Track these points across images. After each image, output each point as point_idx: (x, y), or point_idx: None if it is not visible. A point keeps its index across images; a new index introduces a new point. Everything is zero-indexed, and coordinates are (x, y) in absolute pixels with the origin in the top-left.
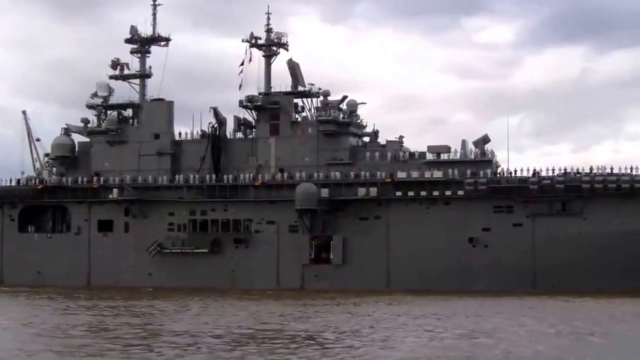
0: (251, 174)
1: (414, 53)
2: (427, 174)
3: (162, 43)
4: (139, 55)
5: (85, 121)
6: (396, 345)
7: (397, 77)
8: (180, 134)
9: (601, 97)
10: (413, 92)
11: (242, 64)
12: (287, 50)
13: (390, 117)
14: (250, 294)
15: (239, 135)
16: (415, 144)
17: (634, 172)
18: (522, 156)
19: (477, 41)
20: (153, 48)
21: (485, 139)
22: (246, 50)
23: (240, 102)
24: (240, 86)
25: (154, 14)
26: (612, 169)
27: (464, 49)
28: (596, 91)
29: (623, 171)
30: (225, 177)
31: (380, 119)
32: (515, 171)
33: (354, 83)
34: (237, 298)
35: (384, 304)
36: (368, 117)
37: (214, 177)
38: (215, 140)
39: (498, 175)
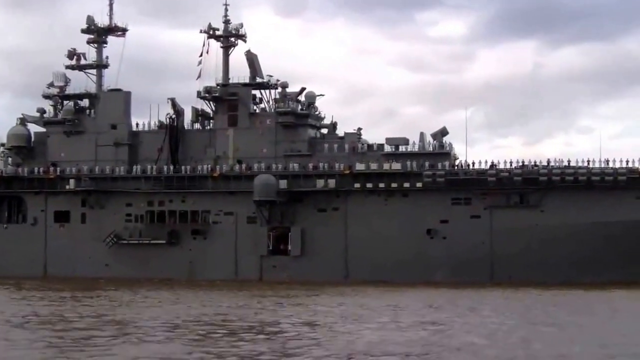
0: (209, 165)
1: (367, 46)
2: (386, 166)
3: (119, 33)
4: (95, 45)
5: (42, 111)
6: (335, 337)
7: (350, 70)
8: (137, 124)
9: (553, 91)
10: (365, 85)
11: (201, 55)
12: (245, 41)
13: (344, 109)
14: (200, 285)
15: (197, 126)
16: (368, 136)
17: (590, 165)
18: (473, 149)
19: (430, 35)
20: (110, 38)
21: (443, 132)
22: (204, 42)
23: (198, 93)
24: (198, 77)
25: (111, 4)
26: (569, 161)
27: (416, 43)
28: (548, 85)
29: (580, 164)
30: (183, 168)
31: (335, 111)
32: (473, 163)
33: (309, 75)
34: (190, 288)
35: (337, 296)
36: (324, 109)
37: (171, 168)
38: (172, 131)
39: (456, 167)
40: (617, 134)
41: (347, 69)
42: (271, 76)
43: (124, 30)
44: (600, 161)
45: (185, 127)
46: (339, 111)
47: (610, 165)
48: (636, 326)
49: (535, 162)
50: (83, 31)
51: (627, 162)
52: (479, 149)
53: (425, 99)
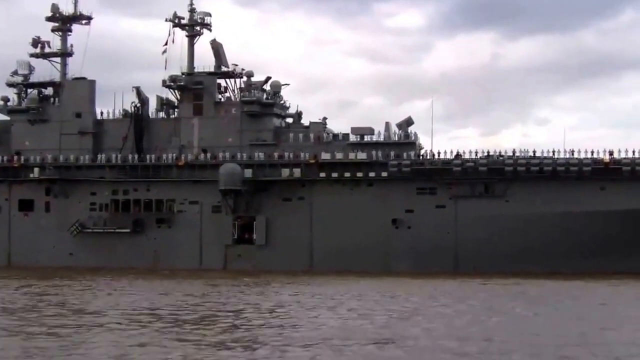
0: (174, 154)
1: (325, 37)
2: (351, 156)
3: (84, 22)
4: (60, 33)
5: (5, 99)
6: (282, 331)
7: (308, 61)
8: (102, 113)
9: (511, 82)
10: (324, 76)
11: (166, 44)
12: (210, 30)
13: (304, 100)
14: (157, 274)
15: (162, 115)
16: (329, 126)
17: (555, 156)
18: (432, 139)
19: (388, 26)
20: (74, 27)
21: (408, 122)
22: (169, 30)
23: (164, 82)
24: (165, 66)
25: None
26: (534, 152)
27: (375, 34)
28: (506, 76)
29: (545, 154)
30: (147, 156)
31: (294, 101)
32: (439, 153)
33: (268, 65)
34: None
35: (295, 284)
36: (289, 98)
37: (136, 156)
38: (137, 119)
39: (421, 157)
40: (573, 125)
41: (305, 60)
42: (236, 65)
43: (88, 19)
44: (564, 152)
45: (150, 115)
46: (298, 101)
47: (575, 156)
48: (589, 316)
49: (500, 152)
50: (47, 19)
51: (592, 152)
52: (438, 139)
53: (384, 89)
